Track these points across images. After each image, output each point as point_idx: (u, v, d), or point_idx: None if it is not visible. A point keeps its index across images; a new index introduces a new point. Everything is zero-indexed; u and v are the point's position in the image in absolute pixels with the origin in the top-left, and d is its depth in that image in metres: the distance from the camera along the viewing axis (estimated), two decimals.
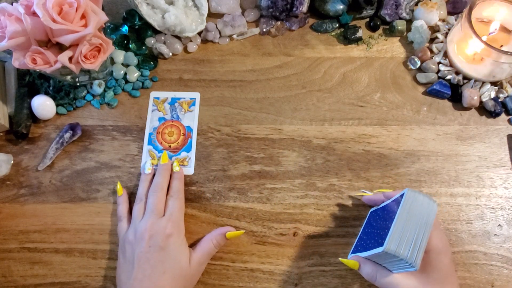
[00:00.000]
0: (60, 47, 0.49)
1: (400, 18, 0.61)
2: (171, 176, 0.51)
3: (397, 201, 0.40)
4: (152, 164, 0.52)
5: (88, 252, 0.49)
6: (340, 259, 0.43)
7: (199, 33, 0.60)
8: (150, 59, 0.58)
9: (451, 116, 0.56)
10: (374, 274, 0.40)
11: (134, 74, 0.57)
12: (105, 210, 0.51)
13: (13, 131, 0.53)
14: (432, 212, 0.38)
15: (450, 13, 0.61)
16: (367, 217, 0.47)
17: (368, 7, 0.61)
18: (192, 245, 0.47)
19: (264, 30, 0.61)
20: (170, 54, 0.59)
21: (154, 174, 0.51)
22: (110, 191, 0.52)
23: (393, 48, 0.60)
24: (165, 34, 0.59)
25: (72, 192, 0.52)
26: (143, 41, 0.59)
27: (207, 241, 0.47)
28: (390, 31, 0.61)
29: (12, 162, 0.53)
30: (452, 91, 0.56)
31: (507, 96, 0.56)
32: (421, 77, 0.57)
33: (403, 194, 0.39)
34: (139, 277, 0.42)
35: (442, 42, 0.59)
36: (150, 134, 0.55)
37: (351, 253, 0.44)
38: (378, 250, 0.37)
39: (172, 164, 0.52)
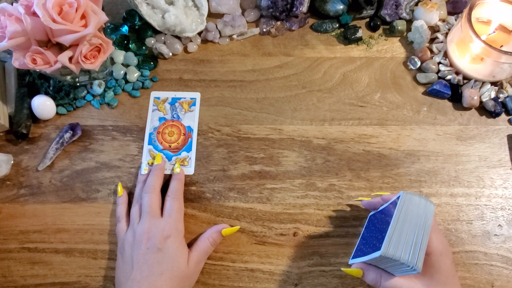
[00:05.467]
0: (60, 47, 0.49)
1: (400, 18, 0.61)
2: (171, 177, 0.51)
3: (394, 204, 0.39)
4: (149, 164, 0.52)
5: (88, 252, 0.49)
6: (342, 269, 0.43)
7: (199, 33, 0.60)
8: (150, 59, 0.58)
9: (451, 116, 0.56)
10: (378, 279, 0.40)
11: (134, 74, 0.57)
12: (105, 210, 0.51)
13: (13, 131, 0.53)
14: (429, 213, 0.37)
15: (450, 13, 0.61)
16: (367, 221, 0.47)
17: (368, 7, 0.61)
18: (189, 244, 0.47)
19: (264, 30, 0.61)
20: (170, 54, 0.59)
21: None
22: (110, 191, 0.52)
23: (393, 48, 0.60)
24: (165, 34, 0.59)
25: (72, 192, 0.52)
26: (143, 41, 0.59)
27: (203, 240, 0.47)
28: (390, 31, 0.61)
29: (12, 162, 0.53)
30: (452, 91, 0.56)
31: (507, 96, 0.56)
32: (421, 77, 0.57)
33: (400, 196, 0.39)
34: (137, 278, 0.42)
35: (442, 42, 0.59)
36: (150, 134, 0.55)
37: (351, 259, 0.44)
38: (376, 254, 0.36)
39: (173, 165, 0.52)
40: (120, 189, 0.50)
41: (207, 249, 0.47)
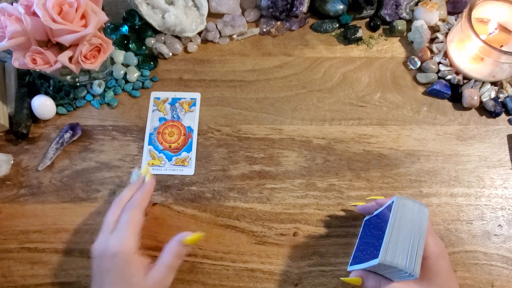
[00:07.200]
0: (60, 47, 0.49)
1: (400, 18, 0.61)
2: None
3: (389, 208, 0.39)
4: (149, 164, 0.52)
5: (88, 252, 0.49)
6: (342, 278, 0.43)
7: (199, 33, 0.60)
8: (150, 59, 0.58)
9: (451, 116, 0.56)
10: (377, 285, 0.40)
11: (134, 74, 0.57)
12: (105, 210, 0.50)
13: (13, 131, 0.53)
14: (424, 218, 0.38)
15: (450, 13, 0.61)
16: (362, 226, 0.47)
17: (368, 7, 0.61)
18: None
19: (264, 30, 0.61)
20: (170, 54, 0.59)
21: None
22: (110, 191, 0.52)
23: (393, 48, 0.60)
24: (165, 34, 0.59)
25: (72, 192, 0.52)
26: (143, 41, 0.59)
27: (165, 253, 0.42)
28: (390, 31, 0.61)
29: (12, 162, 0.53)
30: (452, 91, 0.56)
31: (507, 96, 0.56)
32: (421, 77, 0.57)
33: (393, 201, 0.39)
34: None
35: (442, 42, 0.59)
36: (150, 134, 0.55)
37: (350, 265, 0.44)
38: (374, 262, 0.36)
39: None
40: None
41: (171, 263, 0.41)
